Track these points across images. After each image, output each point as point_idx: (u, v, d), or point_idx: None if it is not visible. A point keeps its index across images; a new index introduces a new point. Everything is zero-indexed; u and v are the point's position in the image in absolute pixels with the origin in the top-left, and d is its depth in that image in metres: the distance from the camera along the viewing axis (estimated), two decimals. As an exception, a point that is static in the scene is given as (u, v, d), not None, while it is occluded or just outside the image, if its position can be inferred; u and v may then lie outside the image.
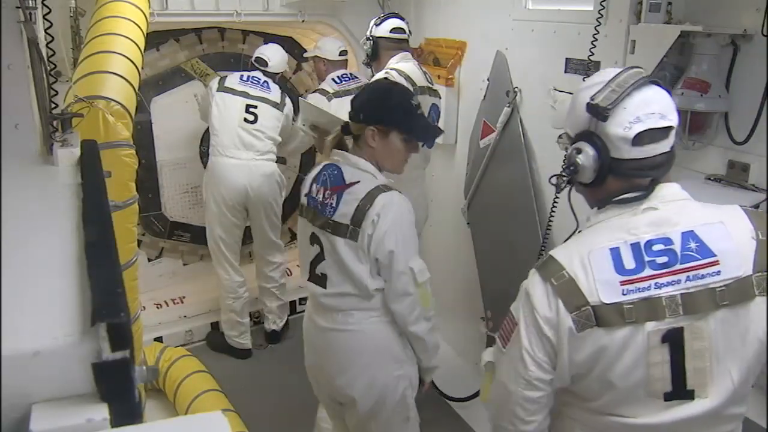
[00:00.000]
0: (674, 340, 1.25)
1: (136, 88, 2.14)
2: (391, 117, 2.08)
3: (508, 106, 3.06)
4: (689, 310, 1.24)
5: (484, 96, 3.27)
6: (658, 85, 1.34)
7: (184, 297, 4.18)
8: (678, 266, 1.24)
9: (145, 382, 0.87)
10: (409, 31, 3.18)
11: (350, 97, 3.76)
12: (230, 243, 3.73)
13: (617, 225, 1.30)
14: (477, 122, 3.33)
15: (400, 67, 2.98)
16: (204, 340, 4.02)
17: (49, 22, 1.88)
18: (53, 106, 1.66)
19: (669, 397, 1.28)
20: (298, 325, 4.19)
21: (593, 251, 1.28)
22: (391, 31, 3.09)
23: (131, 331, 0.80)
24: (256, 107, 3.66)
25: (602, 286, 1.25)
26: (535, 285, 1.33)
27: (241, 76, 3.72)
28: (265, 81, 3.74)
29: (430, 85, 3.09)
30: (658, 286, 1.24)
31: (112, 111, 1.83)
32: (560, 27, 2.77)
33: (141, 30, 2.55)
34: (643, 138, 1.28)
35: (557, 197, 2.80)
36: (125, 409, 0.78)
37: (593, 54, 2.48)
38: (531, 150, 3.03)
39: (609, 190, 1.34)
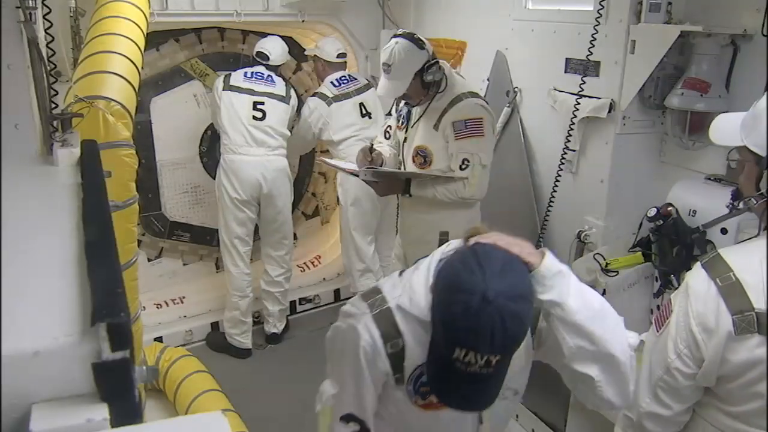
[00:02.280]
0: None
1: (136, 88, 2.14)
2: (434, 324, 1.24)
3: (508, 106, 3.06)
4: None
5: (484, 96, 3.27)
6: None
7: (184, 297, 4.17)
8: None
9: (145, 382, 0.87)
10: None
11: (349, 101, 3.81)
12: (244, 238, 3.77)
13: None
14: (477, 122, 3.33)
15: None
16: (204, 340, 4.01)
17: (49, 22, 1.88)
18: (53, 106, 1.66)
19: None
20: (297, 325, 4.23)
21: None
22: (422, 42, 2.66)
23: (131, 331, 0.79)
24: (263, 104, 3.67)
25: None
26: (697, 280, 1.33)
27: (245, 72, 3.72)
28: (269, 75, 3.74)
29: None
30: None
31: (112, 111, 1.83)
32: (560, 27, 2.77)
33: (141, 30, 2.55)
34: None
35: (553, 198, 2.80)
36: (125, 409, 0.78)
37: (591, 54, 2.48)
38: (531, 150, 3.03)
39: None
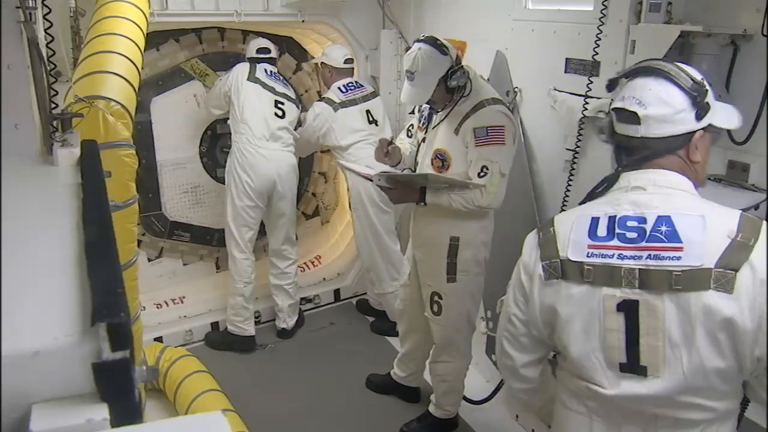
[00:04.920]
0: (629, 311, 1.36)
1: (136, 88, 2.14)
2: None
3: (509, 106, 3.06)
4: (645, 285, 1.34)
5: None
6: (671, 80, 1.38)
7: (184, 297, 4.17)
8: (643, 243, 1.35)
9: (145, 382, 0.87)
10: None
11: (356, 108, 3.81)
12: (252, 227, 3.79)
13: (608, 199, 1.46)
14: (477, 122, 3.33)
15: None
16: (203, 340, 4.01)
17: (49, 22, 1.88)
18: (53, 106, 1.66)
19: (623, 368, 1.38)
20: (297, 325, 4.22)
21: (580, 216, 1.45)
22: (445, 47, 2.62)
23: (131, 331, 0.79)
24: (283, 104, 3.78)
25: (572, 245, 1.42)
26: (529, 236, 1.55)
27: (266, 69, 3.79)
28: (283, 79, 3.87)
29: None
30: (621, 257, 1.36)
31: (112, 111, 1.83)
32: (560, 27, 2.77)
33: (141, 30, 2.55)
34: (619, 115, 1.43)
35: (568, 193, 2.80)
36: (125, 409, 0.78)
37: (597, 53, 2.47)
38: (531, 150, 3.03)
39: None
